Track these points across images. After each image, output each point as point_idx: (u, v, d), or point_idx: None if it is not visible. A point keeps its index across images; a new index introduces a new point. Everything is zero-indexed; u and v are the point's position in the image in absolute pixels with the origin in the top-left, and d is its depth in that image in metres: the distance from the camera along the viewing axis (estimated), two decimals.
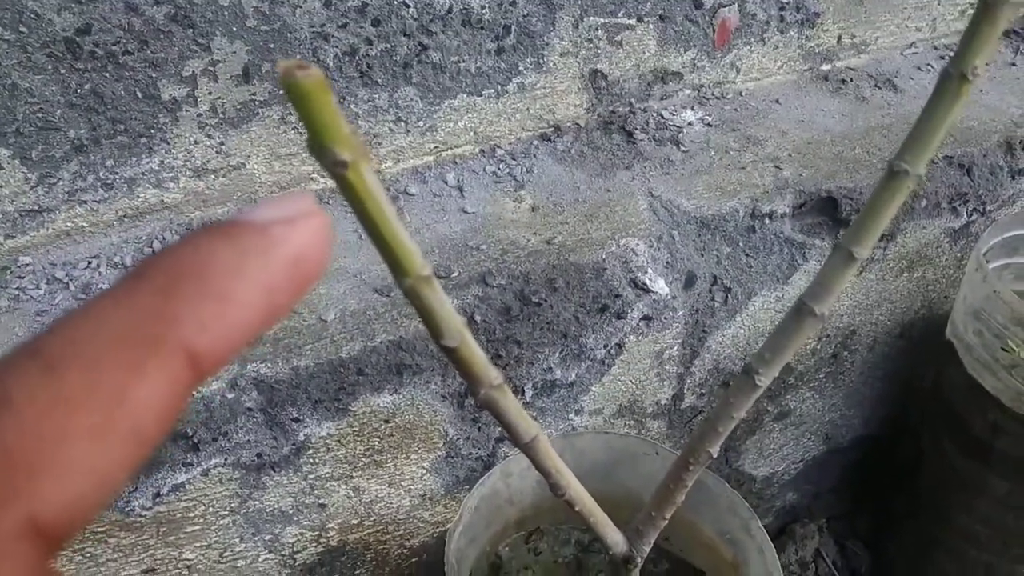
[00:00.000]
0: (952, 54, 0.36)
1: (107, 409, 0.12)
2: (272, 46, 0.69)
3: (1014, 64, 1.01)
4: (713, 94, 0.90)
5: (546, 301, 0.69)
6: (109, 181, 0.70)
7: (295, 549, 0.71)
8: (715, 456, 0.51)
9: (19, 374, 0.11)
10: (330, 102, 0.23)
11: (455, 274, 0.69)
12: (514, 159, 0.81)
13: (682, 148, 0.84)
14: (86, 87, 0.64)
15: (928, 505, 0.94)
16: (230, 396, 0.61)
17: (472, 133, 0.81)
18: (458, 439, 0.72)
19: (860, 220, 0.40)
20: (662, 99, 0.87)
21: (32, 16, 0.61)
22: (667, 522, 0.56)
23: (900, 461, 1.01)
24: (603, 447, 0.78)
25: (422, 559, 0.80)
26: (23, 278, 0.68)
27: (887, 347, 0.91)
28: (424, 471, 0.73)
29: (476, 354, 0.39)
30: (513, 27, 0.77)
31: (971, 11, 0.45)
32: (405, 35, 0.73)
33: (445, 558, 0.65)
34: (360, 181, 0.27)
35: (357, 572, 0.77)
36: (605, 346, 0.73)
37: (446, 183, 0.79)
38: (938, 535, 0.93)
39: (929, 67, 0.98)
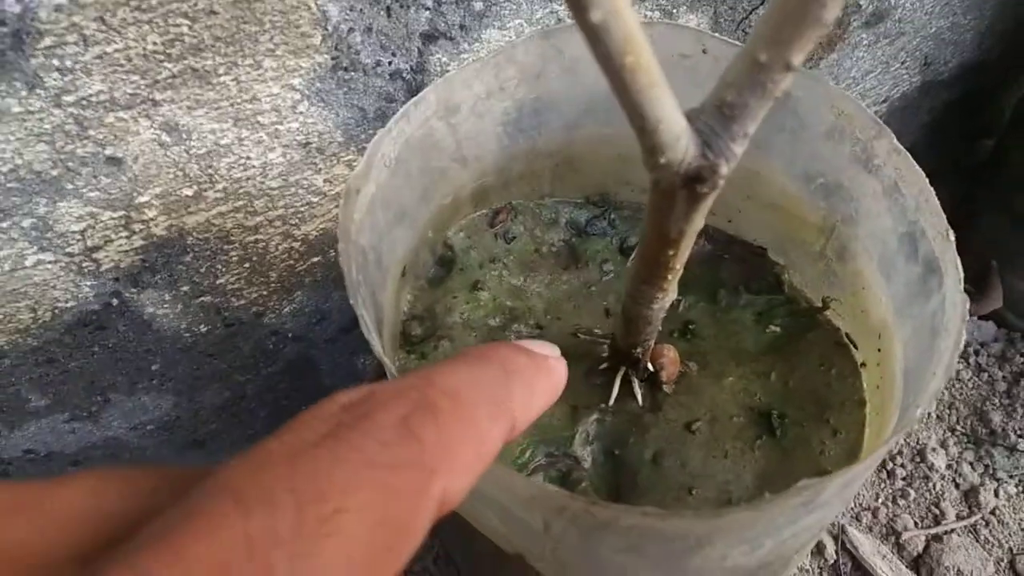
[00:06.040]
0: None
1: (478, 441, 0.17)
2: None
3: None
4: None
5: None
6: None
7: (90, 244, 0.41)
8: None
9: (432, 398, 0.17)
10: None
11: None
12: None
13: None
14: None
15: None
16: None
17: None
18: (350, 30, 0.40)
19: None
20: None
21: None
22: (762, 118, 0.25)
23: (1006, 105, 0.71)
24: None
25: (328, 258, 0.51)
26: None
27: None
28: (296, 95, 0.41)
29: None
30: None
31: None
32: None
33: (340, 233, 0.35)
34: None
35: (220, 281, 0.48)
36: None
37: None
38: None
39: None
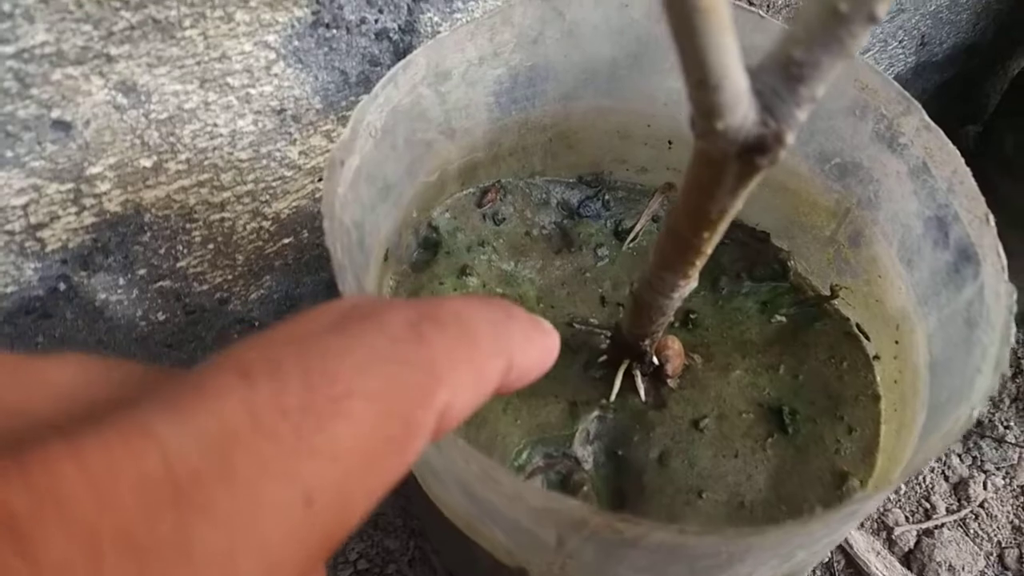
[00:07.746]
0: None
1: (479, 365, 0.17)
2: None
3: None
4: None
5: None
6: None
7: (33, 221, 0.36)
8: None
9: (439, 314, 0.16)
10: None
11: None
12: None
13: None
14: None
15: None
16: None
17: None
18: None
19: None
20: None
21: None
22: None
23: (992, 91, 0.70)
24: (620, 15, 0.42)
25: (300, 239, 0.47)
26: None
27: None
28: (271, 54, 0.36)
29: None
30: None
31: None
32: None
33: (324, 208, 0.31)
34: None
35: (181, 264, 0.43)
36: None
37: None
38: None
39: None
